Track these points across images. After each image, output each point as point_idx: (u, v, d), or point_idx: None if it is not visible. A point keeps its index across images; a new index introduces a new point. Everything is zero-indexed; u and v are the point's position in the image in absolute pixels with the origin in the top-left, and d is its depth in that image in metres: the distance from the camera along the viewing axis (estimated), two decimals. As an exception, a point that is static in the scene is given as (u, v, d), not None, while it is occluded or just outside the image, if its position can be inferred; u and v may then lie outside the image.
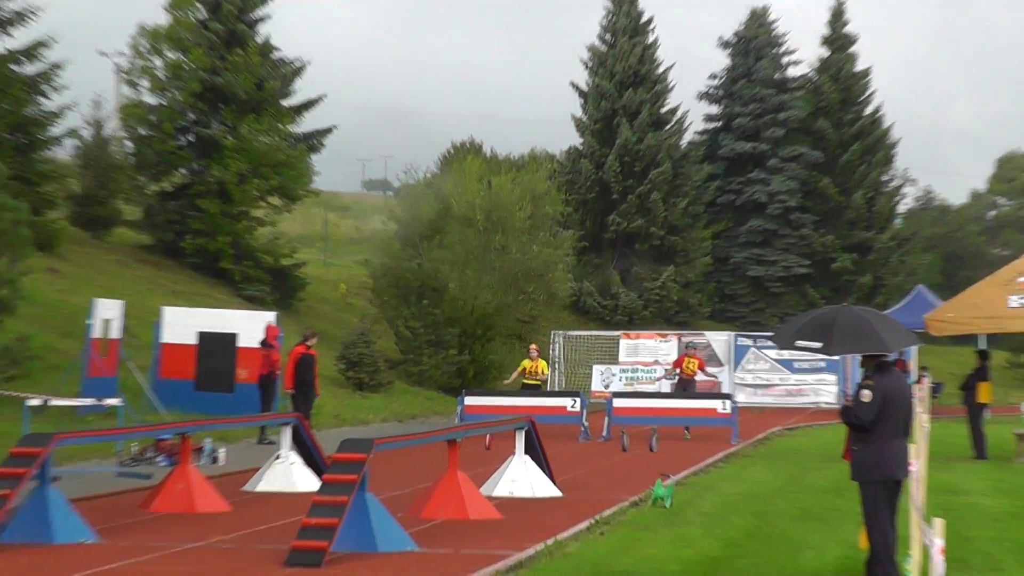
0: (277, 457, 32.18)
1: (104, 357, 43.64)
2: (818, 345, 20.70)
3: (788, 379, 72.69)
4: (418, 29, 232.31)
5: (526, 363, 52.01)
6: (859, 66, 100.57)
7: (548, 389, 66.34)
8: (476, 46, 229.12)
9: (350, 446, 23.66)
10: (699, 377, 54.84)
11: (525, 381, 52.03)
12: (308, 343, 43.29)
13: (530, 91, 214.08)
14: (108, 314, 44.49)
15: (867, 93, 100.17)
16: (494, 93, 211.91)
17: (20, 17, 62.64)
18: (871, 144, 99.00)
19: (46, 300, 52.91)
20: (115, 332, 44.85)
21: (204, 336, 47.94)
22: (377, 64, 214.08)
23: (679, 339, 74.20)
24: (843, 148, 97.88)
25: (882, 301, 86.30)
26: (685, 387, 54.21)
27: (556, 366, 74.28)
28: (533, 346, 54.90)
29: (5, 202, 43.99)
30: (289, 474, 31.46)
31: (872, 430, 19.01)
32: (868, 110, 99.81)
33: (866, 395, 18.99)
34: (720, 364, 72.33)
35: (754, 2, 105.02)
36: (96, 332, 43.71)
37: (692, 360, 54.36)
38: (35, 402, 38.08)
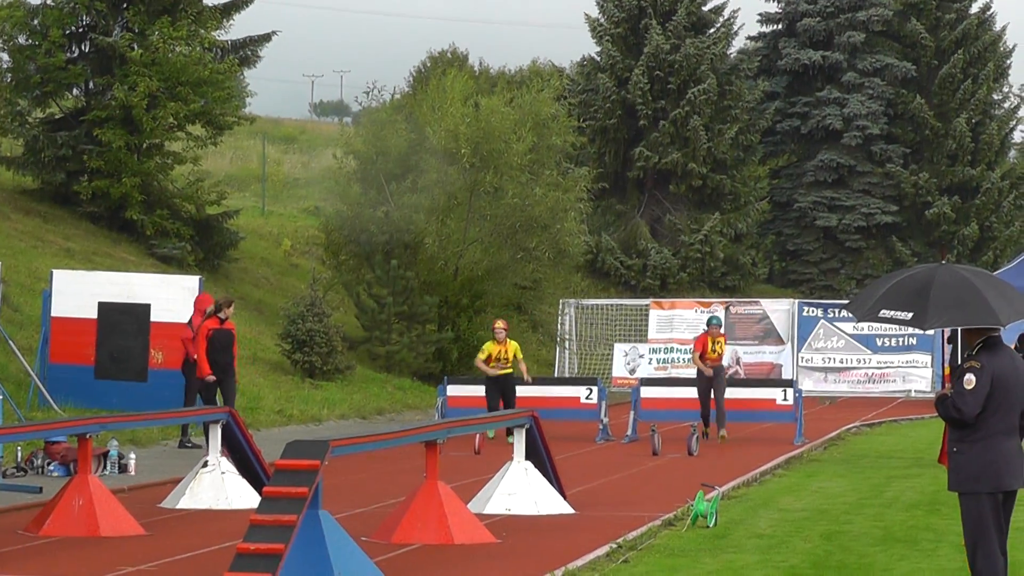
0: (204, 464, 32.41)
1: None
2: (909, 316, 20.57)
3: (869, 361, 72.61)
4: None
5: (490, 347, 47.71)
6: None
7: (558, 376, 66.77)
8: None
9: (298, 450, 23.79)
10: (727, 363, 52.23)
11: (489, 371, 47.62)
12: (222, 315, 41.68)
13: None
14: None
15: None
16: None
17: None
18: (978, 52, 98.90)
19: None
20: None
21: (107, 308, 48.03)
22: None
23: (726, 308, 74.40)
24: (942, 58, 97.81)
25: (990, 258, 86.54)
26: (713, 378, 49.62)
27: (567, 345, 74.51)
28: (499, 323, 49.28)
29: None
30: (220, 486, 31.67)
31: (977, 427, 18.97)
32: (975, 7, 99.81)
33: (969, 381, 18.81)
34: (780, 342, 72.47)
35: None
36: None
37: (719, 340, 50.18)
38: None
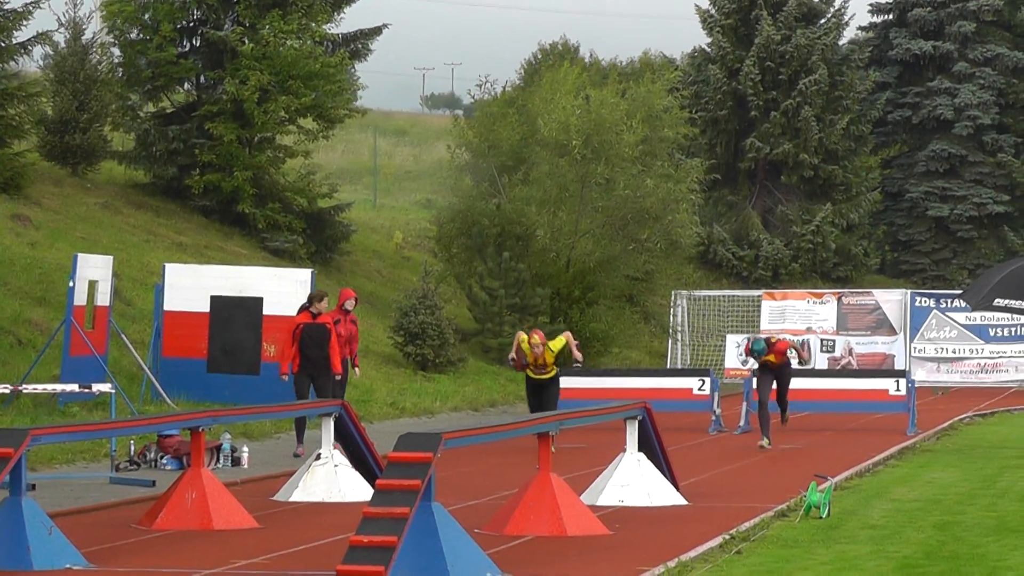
0: (317, 457, 32.39)
1: (90, 330, 43.95)
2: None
3: (982, 350, 72.43)
4: None
5: (525, 346, 42.27)
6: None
7: (670, 367, 66.64)
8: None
9: (411, 443, 23.74)
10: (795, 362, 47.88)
11: (530, 375, 43.20)
12: (314, 309, 40.97)
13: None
14: (94, 274, 44.73)
15: None
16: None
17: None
18: None
19: (13, 257, 53.32)
20: (103, 298, 45.13)
21: (219, 302, 48.11)
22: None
23: (839, 299, 74.28)
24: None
25: None
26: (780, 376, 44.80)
27: (679, 336, 74.44)
28: (536, 335, 42.87)
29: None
30: (333, 479, 31.66)
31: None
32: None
33: None
34: (893, 332, 72.27)
35: None
36: (79, 298, 44.02)
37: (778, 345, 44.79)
38: (3, 390, 38.52)
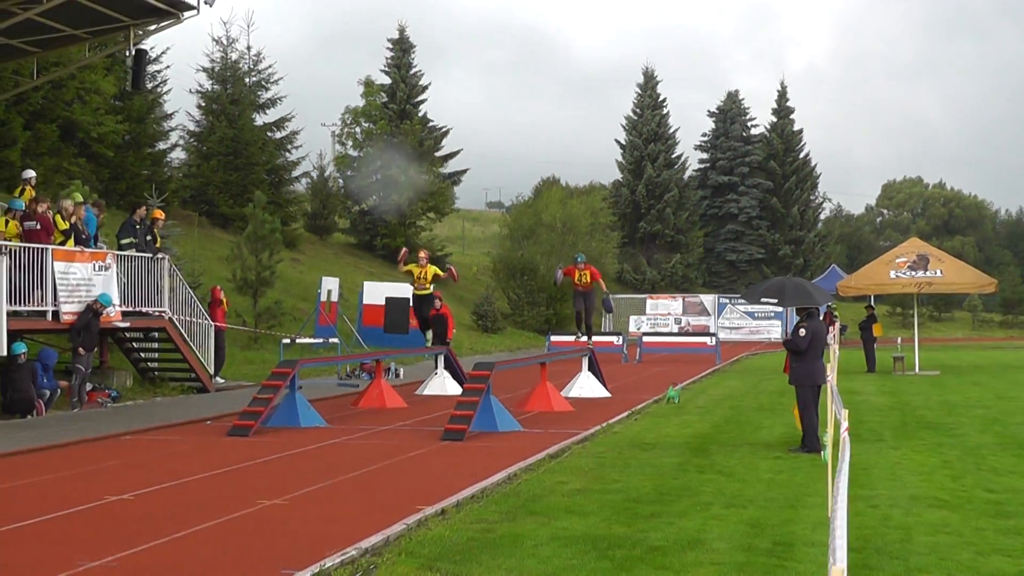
0: (435, 373, 32.50)
1: (328, 313, 44.04)
2: (775, 301, 20.96)
3: (751, 324, 72.37)
4: (515, 100, 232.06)
5: (414, 268, 34.41)
6: (796, 127, 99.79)
7: (603, 331, 66.28)
8: (554, 112, 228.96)
9: (480, 366, 23.89)
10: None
11: (415, 292, 34.79)
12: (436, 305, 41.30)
13: (589, 144, 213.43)
14: (330, 287, 44.83)
15: (800, 144, 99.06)
16: (567, 144, 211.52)
17: (272, 102, 63.38)
18: (804, 176, 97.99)
19: (291, 278, 53.34)
20: (335, 298, 45.25)
21: (389, 300, 48.13)
22: (490, 126, 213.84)
23: (683, 299, 74.10)
24: (785, 179, 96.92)
25: (809, 275, 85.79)
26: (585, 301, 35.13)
27: (606, 318, 74.06)
28: (422, 252, 35.45)
29: (265, 218, 44.53)
30: (443, 384, 31.72)
31: (805, 353, 19.23)
32: (802, 154, 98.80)
33: (802, 332, 19.26)
34: (708, 314, 72.00)
35: (730, 86, 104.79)
36: (323, 298, 44.12)
37: (584, 272, 34.08)
38: (286, 340, 38.62)
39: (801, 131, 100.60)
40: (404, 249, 35.98)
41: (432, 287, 34.73)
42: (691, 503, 14.44)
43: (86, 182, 40.62)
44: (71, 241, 28.26)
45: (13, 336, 25.31)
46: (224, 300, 36.52)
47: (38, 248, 26.70)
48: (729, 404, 28.72)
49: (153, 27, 30.96)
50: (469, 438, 20.98)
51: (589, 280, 34.01)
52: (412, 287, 35.30)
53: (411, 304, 36.30)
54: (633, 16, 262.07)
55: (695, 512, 13.83)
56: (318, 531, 12.70)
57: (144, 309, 30.60)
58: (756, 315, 72.04)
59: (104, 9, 28.78)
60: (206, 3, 29.56)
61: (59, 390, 26.83)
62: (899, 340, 47.97)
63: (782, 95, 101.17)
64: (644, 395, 30.52)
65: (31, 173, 30.13)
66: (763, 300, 21.52)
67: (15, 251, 25.99)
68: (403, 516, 13.27)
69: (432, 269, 34.90)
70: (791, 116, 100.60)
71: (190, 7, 29.72)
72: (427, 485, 15.82)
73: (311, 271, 57.01)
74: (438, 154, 75.97)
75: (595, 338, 45.89)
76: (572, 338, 36.94)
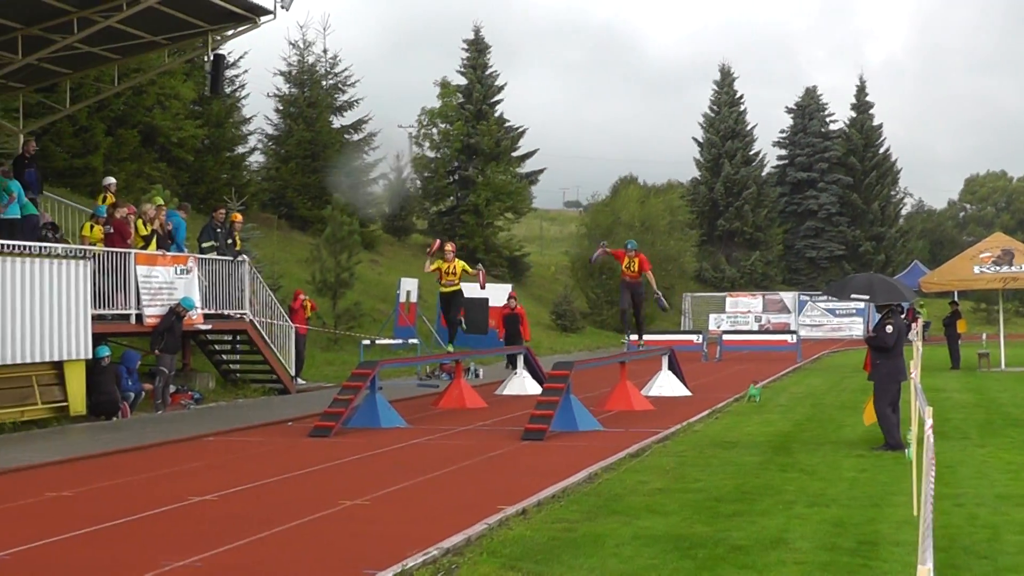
0: (515, 373, 32.53)
1: (407, 314, 44.17)
2: (866, 297, 20.78)
3: (832, 321, 71.80)
4: (591, 99, 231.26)
5: (440, 264, 31.26)
6: (875, 121, 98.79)
7: (682, 329, 65.92)
8: (630, 110, 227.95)
9: (560, 366, 23.90)
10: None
11: (442, 290, 32.00)
12: (511, 303, 41.06)
13: (666, 142, 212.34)
14: (409, 287, 44.96)
15: (880, 139, 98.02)
16: (644, 143, 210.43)
17: (348, 105, 63.72)
18: (884, 171, 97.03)
19: (370, 280, 53.53)
20: (413, 298, 45.36)
21: (469, 300, 48.20)
22: (567, 125, 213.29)
23: (763, 297, 73.60)
24: (866, 174, 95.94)
25: (891, 271, 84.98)
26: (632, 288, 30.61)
27: (686, 316, 73.72)
28: (449, 246, 31.90)
29: (343, 220, 44.79)
30: (523, 383, 31.72)
31: (890, 350, 19.07)
32: (882, 150, 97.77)
33: (889, 329, 19.09)
34: (788, 311, 71.39)
35: (807, 82, 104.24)
36: (402, 298, 44.25)
37: (634, 260, 30.00)
38: (366, 341, 38.77)
39: (881, 126, 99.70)
40: (436, 241, 32.74)
41: (460, 283, 31.72)
42: (773, 502, 14.36)
43: (167, 186, 41.00)
44: (153, 245, 28.58)
45: (98, 339, 25.59)
46: (308, 304, 36.72)
47: (121, 252, 27.03)
48: (811, 402, 28.56)
49: (231, 32, 31.18)
50: (549, 438, 20.98)
51: (638, 269, 30.12)
52: (439, 284, 31.93)
53: (439, 302, 32.91)
54: (709, 13, 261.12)
55: (777, 511, 13.76)
56: (399, 531, 12.74)
57: (226, 312, 30.86)
58: (837, 312, 71.46)
59: (182, 15, 29.04)
60: (282, 7, 29.72)
61: (143, 392, 27.11)
62: (984, 336, 47.54)
63: (861, 90, 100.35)
64: (725, 393, 30.40)
65: (111, 180, 30.49)
66: (853, 297, 21.39)
67: (99, 255, 26.33)
68: (484, 516, 13.29)
69: (461, 264, 31.59)
70: (870, 111, 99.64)
71: (267, 12, 29.92)
72: (508, 485, 15.84)
73: (390, 272, 57.17)
74: (515, 154, 75.95)
75: (673, 336, 45.61)
76: (627, 340, 33.15)
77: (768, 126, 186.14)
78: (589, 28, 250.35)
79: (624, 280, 30.50)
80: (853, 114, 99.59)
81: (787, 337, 53.23)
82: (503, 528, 12.89)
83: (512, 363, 34.54)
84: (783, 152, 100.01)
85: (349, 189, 58.33)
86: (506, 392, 31.48)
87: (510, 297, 40.27)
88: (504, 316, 40.14)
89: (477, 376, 37.41)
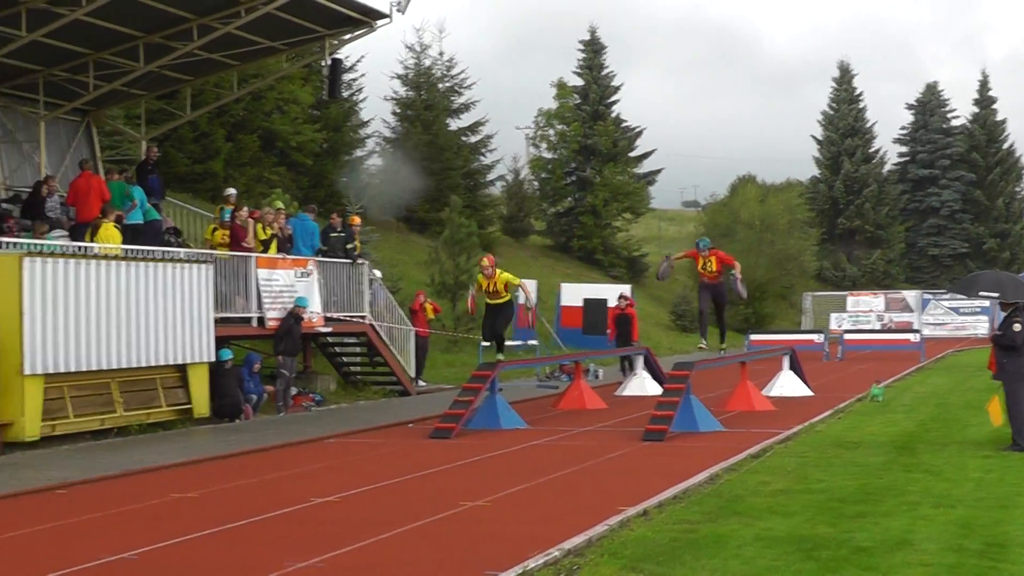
0: (635, 374, 32.44)
1: (526, 315, 44.25)
2: (996, 295, 20.32)
3: (956, 320, 70.78)
4: (708, 98, 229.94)
5: (480, 280, 26.55)
6: (999, 117, 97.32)
7: (803, 328, 65.31)
8: (748, 109, 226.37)
9: (680, 366, 23.81)
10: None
11: (488, 302, 26.75)
12: (622, 303, 40.68)
13: (784, 140, 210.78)
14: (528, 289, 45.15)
15: (1004, 134, 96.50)
16: (762, 141, 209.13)
17: (465, 107, 63.96)
18: (1008, 167, 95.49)
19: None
20: (531, 302, 45.46)
21: (587, 301, 48.33)
22: (684, 125, 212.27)
23: (885, 296, 72.65)
24: (989, 171, 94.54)
25: (1016, 268, 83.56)
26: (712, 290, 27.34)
27: (807, 315, 73.09)
28: (485, 260, 27.06)
29: (461, 222, 44.98)
30: (643, 384, 31.63)
31: (1018, 349, 18.71)
32: (1005, 145, 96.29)
33: (1017, 327, 18.71)
34: (911, 310, 70.38)
35: (928, 78, 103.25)
36: (520, 300, 44.32)
37: (709, 259, 26.41)
38: (485, 343, 38.84)
39: (1004, 121, 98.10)
40: (470, 298, 28.88)
41: (510, 295, 26.87)
42: (897, 503, 14.20)
43: (286, 190, 41.40)
44: (273, 248, 28.89)
45: (220, 342, 25.92)
46: (429, 306, 36.95)
47: (242, 256, 27.38)
48: (935, 402, 28.20)
49: (347, 36, 31.48)
50: (670, 438, 20.90)
51: (716, 268, 26.50)
52: (486, 299, 26.81)
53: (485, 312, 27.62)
54: (826, 9, 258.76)
55: (902, 512, 13.59)
56: (520, 532, 12.76)
57: (345, 315, 31.12)
58: (961, 311, 70.32)
59: (300, 21, 29.34)
60: (399, 11, 29.94)
61: (265, 395, 27.42)
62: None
63: (983, 85, 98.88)
64: (847, 393, 30.10)
65: (232, 191, 30.88)
66: (981, 295, 20.99)
67: (221, 259, 26.68)
68: (605, 517, 13.27)
69: (504, 277, 26.41)
70: (993, 106, 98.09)
71: (383, 15, 30.18)
72: (628, 486, 15.81)
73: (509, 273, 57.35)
74: (632, 154, 75.94)
75: (794, 336, 45.04)
76: (699, 350, 29.14)
77: (888, 123, 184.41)
78: (706, 26, 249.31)
79: (702, 281, 27.34)
80: (976, 110, 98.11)
81: (910, 336, 52.61)
82: (624, 529, 12.87)
83: (629, 364, 34.41)
84: (904, 149, 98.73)
85: (466, 191, 58.62)
86: (626, 393, 31.41)
87: (620, 297, 40.10)
88: (615, 316, 39.99)
89: (597, 377, 37.36)
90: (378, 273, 34.47)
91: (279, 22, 29.01)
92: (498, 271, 26.47)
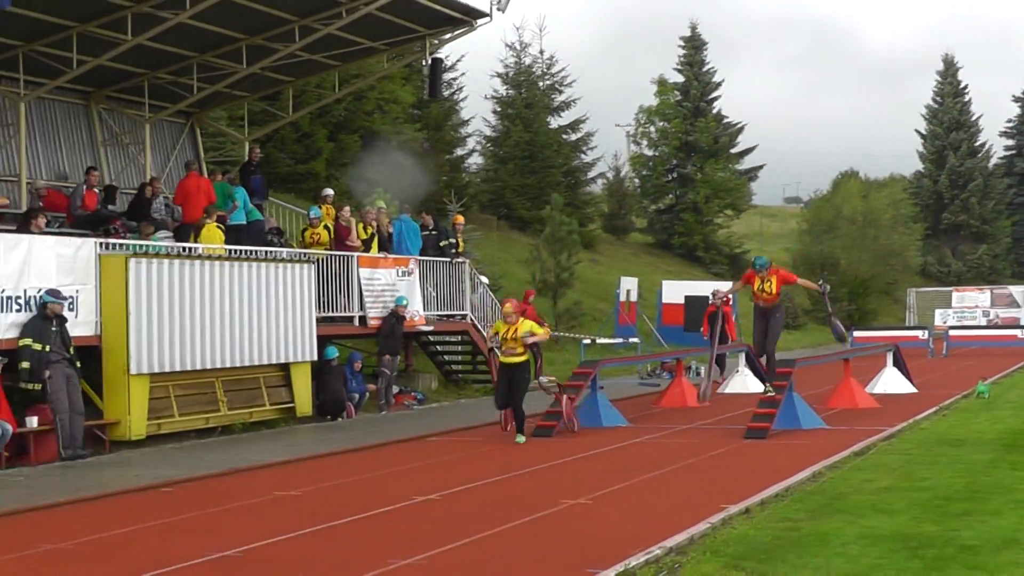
0: (737, 371, 32.30)
1: (627, 313, 44.24)
2: None
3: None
4: (810, 93, 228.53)
5: (499, 326, 22.04)
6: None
7: (907, 324, 64.59)
8: (850, 104, 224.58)
9: (782, 364, 23.71)
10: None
11: (501, 359, 21.82)
12: (716, 301, 40.41)
13: (887, 135, 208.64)
14: (628, 286, 45.07)
15: None
16: (864, 136, 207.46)
17: (566, 104, 63.98)
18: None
19: (590, 279, 53.66)
20: (633, 297, 45.40)
21: (689, 298, 48.15)
22: (786, 120, 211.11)
23: (991, 291, 71.67)
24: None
25: None
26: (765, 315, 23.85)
27: (910, 311, 72.28)
28: (508, 304, 22.38)
29: (562, 219, 44.98)
30: (744, 382, 31.49)
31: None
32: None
33: None
34: (1018, 306, 69.23)
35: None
36: (622, 297, 44.34)
37: (768, 279, 23.26)
38: (587, 341, 38.93)
39: None
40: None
41: (527, 355, 22.26)
42: (1005, 501, 14.02)
43: (388, 190, 41.62)
44: (374, 248, 29.10)
45: (322, 341, 26.13)
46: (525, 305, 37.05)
47: (344, 255, 27.60)
48: (1048, 401, 27.86)
49: (448, 36, 31.61)
50: (772, 436, 20.76)
51: (775, 290, 23.19)
52: (499, 352, 22.21)
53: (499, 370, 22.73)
54: (929, 2, 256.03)
55: (1009, 510, 13.42)
56: (621, 530, 12.75)
57: (447, 313, 31.27)
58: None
59: (400, 20, 29.50)
60: (499, 9, 30.01)
61: (367, 393, 27.60)
62: None
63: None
64: (952, 390, 29.74)
65: (329, 192, 31.06)
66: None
67: (323, 259, 26.91)
68: (707, 515, 13.24)
69: (527, 325, 21.91)
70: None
71: (483, 14, 30.25)
72: (730, 483, 15.76)
73: (609, 271, 57.23)
74: (733, 151, 75.63)
75: (898, 332, 44.45)
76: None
77: (994, 116, 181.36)
78: (807, 22, 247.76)
79: (757, 305, 23.86)
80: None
81: (1017, 332, 51.92)
82: (726, 527, 12.83)
83: (720, 364, 33.94)
84: (1010, 142, 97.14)
85: (567, 189, 58.65)
86: (727, 391, 31.31)
87: (714, 294, 39.92)
88: (709, 314, 39.82)
89: (698, 375, 37.22)
90: (485, 279, 34.63)
91: (380, 22, 29.18)
92: (521, 319, 22.06)
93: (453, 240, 32.72)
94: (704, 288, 50.17)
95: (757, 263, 23.53)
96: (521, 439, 21.34)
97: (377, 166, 45.20)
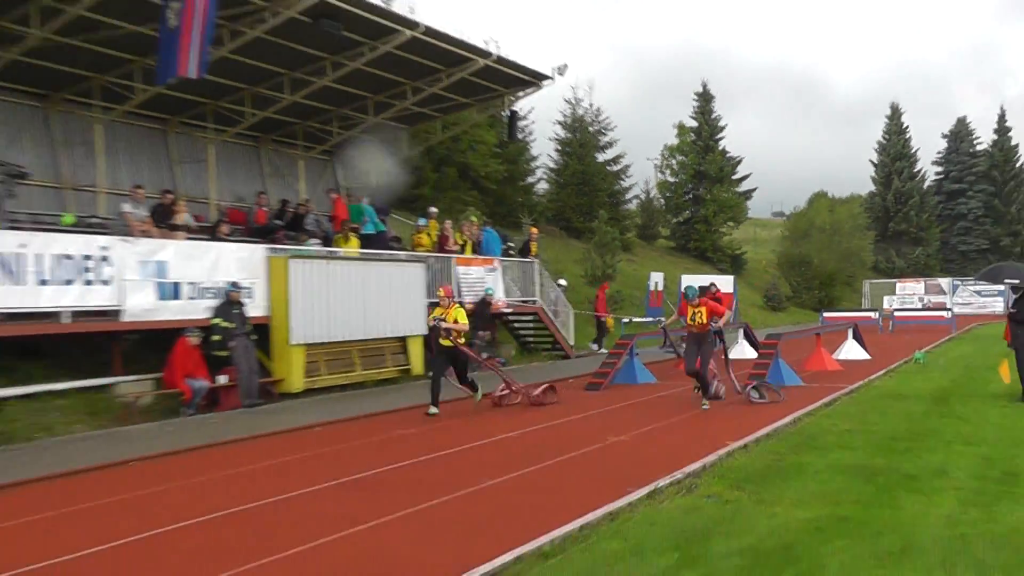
0: (737, 342, 32.08)
1: (656, 299, 44.12)
2: (1017, 281, 19.74)
3: (979, 300, 68.16)
4: (791, 131, 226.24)
5: (437, 311, 18.78)
6: (1013, 142, 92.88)
7: (862, 307, 64.08)
8: (822, 139, 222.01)
9: (770, 337, 23.70)
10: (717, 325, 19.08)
11: (441, 341, 18.66)
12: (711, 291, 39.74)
13: (849, 163, 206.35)
14: (657, 279, 44.88)
15: (1017, 156, 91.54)
16: (832, 164, 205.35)
17: (609, 144, 63.81)
18: (1020, 182, 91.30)
19: (628, 274, 53.40)
20: (660, 287, 45.23)
21: (702, 288, 47.67)
22: (773, 152, 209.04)
23: (925, 282, 70.77)
24: (1005, 184, 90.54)
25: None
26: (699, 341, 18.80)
27: (865, 298, 71.51)
28: (442, 290, 19.14)
29: (607, 230, 45.01)
30: (742, 350, 31.03)
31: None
32: (1019, 164, 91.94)
33: None
34: (944, 293, 68.21)
35: (959, 112, 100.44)
36: (652, 287, 44.21)
37: (698, 310, 18.62)
38: (626, 320, 38.89)
39: (1017, 146, 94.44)
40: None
41: (461, 340, 18.94)
42: (936, 441, 14.04)
43: (477, 208, 41.87)
44: (468, 251, 29.39)
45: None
46: (601, 296, 37.67)
47: (446, 257, 27.88)
48: (963, 364, 27.52)
49: (521, 93, 31.77)
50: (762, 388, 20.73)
51: (705, 320, 18.75)
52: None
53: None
54: (883, 58, 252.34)
55: (940, 448, 13.46)
56: (652, 460, 12.90)
57: (523, 299, 31.51)
58: (983, 293, 68.07)
59: (486, 83, 29.75)
60: (559, 74, 30.32)
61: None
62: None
63: (1002, 117, 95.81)
64: (897, 357, 29.51)
65: (433, 210, 31.25)
66: (1006, 282, 20.48)
67: (431, 260, 27.19)
68: (716, 449, 13.39)
69: (454, 313, 18.84)
70: (1009, 134, 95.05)
71: (547, 77, 30.53)
72: (733, 425, 15.85)
73: (642, 268, 56.96)
74: (734, 177, 74.93)
75: (856, 314, 43.87)
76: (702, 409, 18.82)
77: (928, 148, 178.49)
78: (790, 76, 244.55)
79: (690, 332, 19.10)
80: (995, 136, 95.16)
81: (944, 313, 51.25)
82: (730, 458, 12.96)
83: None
84: (939, 168, 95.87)
85: (611, 207, 58.51)
86: (732, 357, 31.11)
87: (711, 285, 39.76)
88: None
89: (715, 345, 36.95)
90: (563, 282, 34.98)
91: (471, 84, 29.46)
92: (455, 304, 19.08)
93: (512, 245, 33.11)
94: (713, 280, 49.91)
95: (689, 293, 19.10)
96: (433, 411, 18.23)
97: (469, 191, 45.36)
